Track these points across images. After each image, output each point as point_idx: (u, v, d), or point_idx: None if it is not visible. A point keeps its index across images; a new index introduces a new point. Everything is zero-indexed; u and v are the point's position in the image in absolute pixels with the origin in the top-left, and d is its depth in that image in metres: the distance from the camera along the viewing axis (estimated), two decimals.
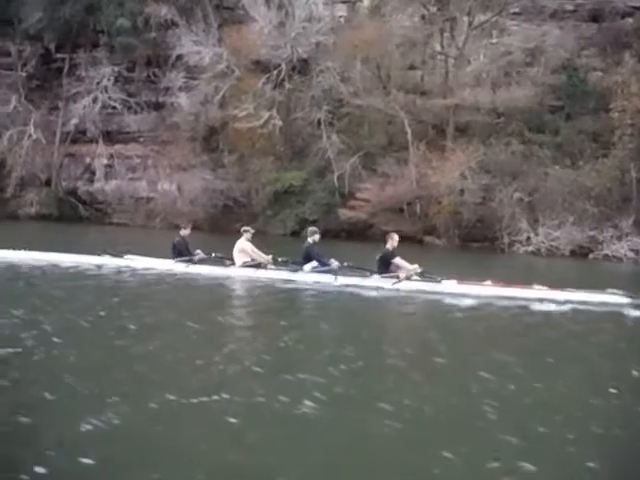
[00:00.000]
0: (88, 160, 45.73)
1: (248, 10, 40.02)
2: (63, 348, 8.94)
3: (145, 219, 41.24)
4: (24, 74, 44.38)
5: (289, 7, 39.22)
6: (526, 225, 33.78)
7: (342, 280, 16.34)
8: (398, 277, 16.16)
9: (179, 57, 41.22)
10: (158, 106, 44.44)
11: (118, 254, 18.63)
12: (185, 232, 18.42)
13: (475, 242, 35.19)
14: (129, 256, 18.57)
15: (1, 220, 42.17)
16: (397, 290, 15.80)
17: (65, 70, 45.10)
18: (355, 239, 35.91)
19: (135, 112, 44.22)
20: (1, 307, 11.78)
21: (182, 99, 41.57)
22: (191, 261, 17.72)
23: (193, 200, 40.69)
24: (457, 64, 38.54)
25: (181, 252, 17.92)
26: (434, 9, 40.23)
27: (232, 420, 6.46)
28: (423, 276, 16.31)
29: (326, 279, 16.52)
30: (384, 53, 38.27)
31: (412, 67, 40.67)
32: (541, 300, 14.79)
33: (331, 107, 39.18)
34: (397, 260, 16.28)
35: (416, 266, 16.14)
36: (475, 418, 6.82)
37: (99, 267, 17.63)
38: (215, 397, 7.05)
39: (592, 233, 32.80)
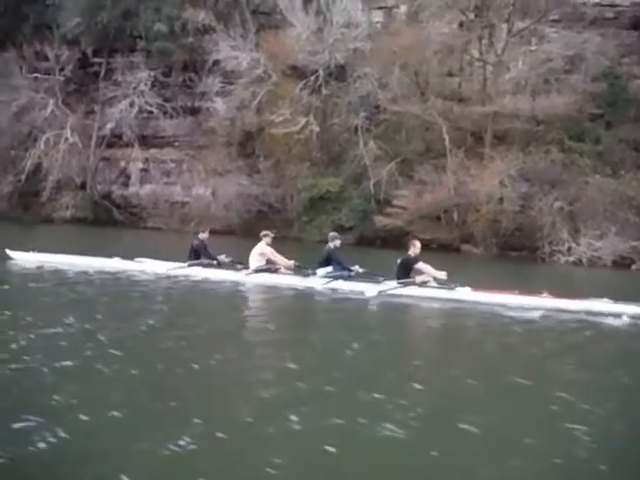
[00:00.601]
0: (123, 164, 45.76)
1: (286, 15, 39.77)
2: (124, 362, 8.70)
3: (180, 223, 41.09)
4: (62, 78, 44.47)
5: (327, 13, 38.94)
6: (566, 235, 33.25)
7: (353, 286, 16.30)
8: (414, 282, 16.14)
9: (216, 62, 41.10)
10: (194, 111, 44.40)
11: (129, 257, 18.76)
12: (204, 235, 18.53)
13: (513, 251, 34.75)
14: (140, 259, 18.70)
15: (36, 223, 42.40)
16: (409, 297, 15.71)
17: (102, 74, 45.23)
18: (390, 247, 35.42)
19: (171, 117, 44.22)
20: (43, 315, 11.67)
21: (218, 104, 41.43)
22: (201, 264, 17.90)
23: (228, 205, 40.58)
24: (496, 71, 38.09)
25: (199, 256, 18.06)
26: (472, 16, 39.76)
27: (321, 446, 6.14)
28: (439, 283, 16.18)
29: (339, 285, 16.50)
30: (422, 59, 37.92)
31: (450, 74, 40.25)
32: (554, 310, 14.64)
33: (368, 113, 38.86)
34: (420, 265, 16.19)
35: (444, 273, 15.98)
36: (570, 444, 6.47)
37: (112, 271, 17.70)
38: (293, 417, 6.80)
39: (635, 244, 32.24)
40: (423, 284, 16.18)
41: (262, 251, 17.60)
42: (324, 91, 39.41)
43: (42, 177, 43.89)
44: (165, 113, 43.96)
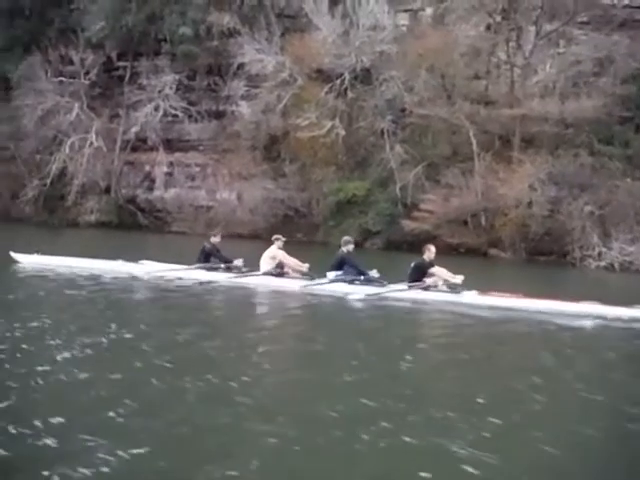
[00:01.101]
0: (147, 168, 45.72)
1: (311, 18, 39.57)
2: (179, 376, 8.50)
3: (205, 228, 40.72)
4: (87, 82, 44.49)
5: (353, 16, 38.66)
6: (597, 239, 32.80)
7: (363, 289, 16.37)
8: (422, 285, 16.29)
9: (240, 65, 40.96)
10: (218, 114, 44.29)
11: (132, 259, 18.85)
12: (215, 239, 18.71)
13: (542, 256, 34.32)
14: (144, 261, 18.84)
15: (62, 227, 42.47)
16: (413, 301, 15.82)
17: (126, 78, 45.15)
18: (417, 251, 35.08)
19: (195, 120, 44.08)
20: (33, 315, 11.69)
21: (243, 108, 41.38)
22: (205, 267, 18.12)
23: (253, 209, 40.42)
24: (523, 74, 37.74)
25: (209, 259, 18.30)
26: (499, 18, 39.39)
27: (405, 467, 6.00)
28: (448, 286, 16.36)
29: (348, 289, 16.57)
30: (449, 62, 37.56)
31: (476, 77, 39.86)
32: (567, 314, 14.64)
33: (394, 117, 38.55)
34: (434, 270, 16.37)
35: (460, 277, 16.13)
36: None
37: (114, 274, 17.88)
38: (365, 436, 6.56)
39: None
40: (430, 287, 16.26)
41: (273, 255, 17.70)
42: (350, 94, 39.18)
43: (67, 181, 43.98)
44: (190, 117, 43.83)
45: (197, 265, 18.26)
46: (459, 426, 6.93)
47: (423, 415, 7.33)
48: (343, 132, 38.23)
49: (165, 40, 43.40)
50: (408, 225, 36.05)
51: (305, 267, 17.58)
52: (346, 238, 17.89)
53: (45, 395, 7.51)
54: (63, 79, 44.39)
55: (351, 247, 17.48)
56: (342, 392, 8.18)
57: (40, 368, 8.35)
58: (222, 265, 18.13)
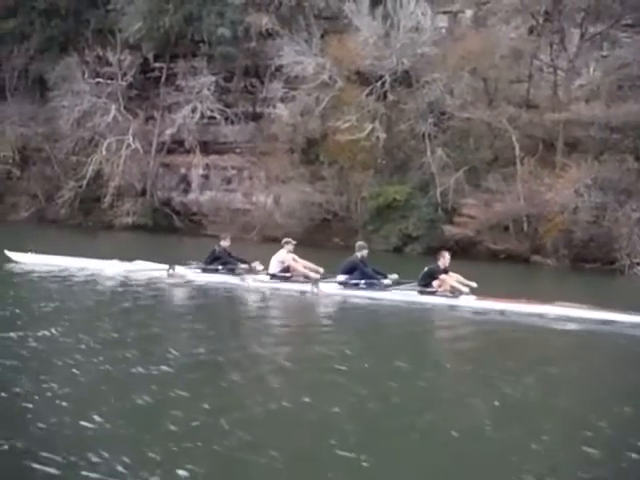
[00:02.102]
0: (183, 170, 45.58)
1: (352, 19, 39.11)
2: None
3: (241, 231, 40.51)
4: (124, 83, 44.29)
5: (394, 17, 38.19)
6: None
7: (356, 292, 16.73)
8: (428, 290, 16.49)
9: (278, 67, 40.61)
10: (255, 117, 44.09)
11: (127, 259, 19.26)
12: (225, 243, 18.90)
13: (587, 263, 33.63)
14: (138, 261, 19.22)
15: (97, 230, 42.33)
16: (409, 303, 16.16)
17: (162, 79, 45.02)
18: (457, 257, 34.72)
19: (232, 122, 43.86)
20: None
21: (280, 110, 40.87)
22: (206, 269, 18.41)
23: (290, 213, 39.91)
24: (567, 77, 37.11)
25: (225, 262, 18.37)
26: (541, 20, 38.81)
27: None
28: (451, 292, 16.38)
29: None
30: (491, 65, 36.98)
31: (518, 80, 39.24)
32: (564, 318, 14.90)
33: (435, 120, 37.96)
34: (444, 277, 16.47)
35: (473, 283, 16.33)
36: None
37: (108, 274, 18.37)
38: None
39: None
40: (425, 293, 16.43)
41: (282, 259, 17.82)
42: (390, 97, 38.70)
43: (103, 183, 43.82)
44: (226, 119, 43.53)
45: (197, 265, 18.62)
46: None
47: None
48: (384, 135, 37.80)
49: (202, 41, 43.25)
50: (450, 230, 35.63)
51: (320, 270, 17.62)
52: (360, 243, 17.94)
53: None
54: (101, 80, 44.20)
55: (365, 252, 17.49)
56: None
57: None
58: (224, 267, 18.28)
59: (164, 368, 9.13)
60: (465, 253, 35.19)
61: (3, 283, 16.72)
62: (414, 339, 13.28)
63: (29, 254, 19.63)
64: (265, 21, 40.96)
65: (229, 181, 44.62)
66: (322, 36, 40.48)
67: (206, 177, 44.66)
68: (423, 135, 38.09)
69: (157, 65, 45.44)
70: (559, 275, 31.79)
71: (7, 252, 19.83)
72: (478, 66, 37.15)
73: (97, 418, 6.98)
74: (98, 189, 44.12)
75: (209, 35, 42.14)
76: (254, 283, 17.70)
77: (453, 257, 33.82)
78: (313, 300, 16.61)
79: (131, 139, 43.38)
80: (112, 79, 44.43)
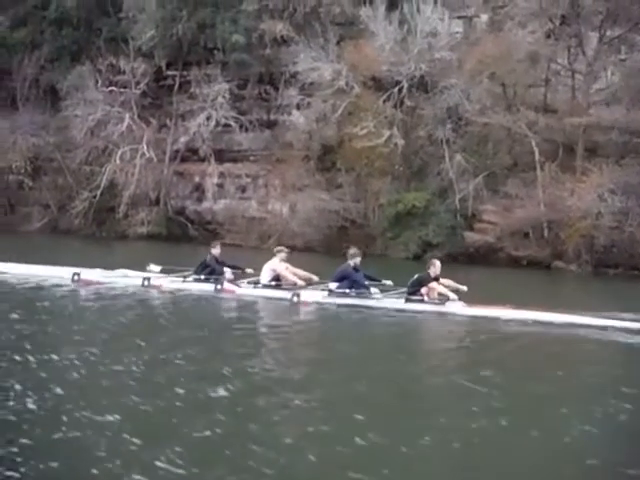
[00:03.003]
0: (197, 179, 45.28)
1: (368, 25, 38.88)
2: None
3: (258, 240, 40.24)
4: (138, 92, 44.01)
5: (412, 22, 37.97)
6: None
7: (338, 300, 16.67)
8: (422, 299, 16.38)
9: (293, 74, 40.37)
10: (270, 124, 43.86)
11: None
12: (216, 251, 18.46)
13: (609, 268, 33.33)
14: (121, 270, 19.22)
15: (110, 240, 42.03)
16: (395, 310, 16.15)
17: (175, 87, 44.79)
18: (477, 263, 34.62)
19: (246, 130, 43.57)
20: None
21: (295, 117, 40.64)
22: (199, 279, 17.90)
23: (307, 221, 39.59)
24: (586, 81, 36.87)
25: (213, 270, 17.89)
26: (558, 23, 38.57)
27: None
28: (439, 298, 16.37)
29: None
30: (510, 70, 36.70)
31: (534, 84, 38.98)
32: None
33: (454, 125, 37.65)
34: (434, 285, 16.36)
35: (464, 287, 16.39)
36: None
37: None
38: None
39: None
40: (412, 300, 16.34)
41: (273, 267, 17.69)
42: (408, 103, 38.42)
43: (117, 192, 43.51)
44: (240, 126, 43.24)
45: (190, 275, 18.22)
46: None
47: None
48: (402, 141, 37.52)
49: (215, 48, 43.03)
50: (471, 237, 35.53)
51: (314, 278, 17.55)
52: (353, 251, 17.48)
53: None
54: (114, 89, 43.94)
55: (358, 260, 17.20)
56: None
57: None
58: (208, 276, 17.91)
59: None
60: (485, 260, 35.05)
61: None
62: (393, 346, 13.23)
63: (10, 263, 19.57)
64: (279, 28, 40.75)
65: (244, 189, 44.32)
66: (338, 42, 40.15)
67: (220, 185, 44.33)
68: (441, 141, 37.79)
69: (170, 73, 45.20)
70: (582, 281, 31.54)
71: None
72: (496, 70, 36.87)
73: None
74: (112, 199, 43.82)
75: (223, 42, 41.97)
76: (241, 290, 17.59)
77: (473, 264, 34.14)
78: (293, 308, 16.39)
79: (145, 148, 43.12)
80: (125, 87, 44.17)
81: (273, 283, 17.51)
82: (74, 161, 44.60)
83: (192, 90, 43.54)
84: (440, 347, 13.62)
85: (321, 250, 37.16)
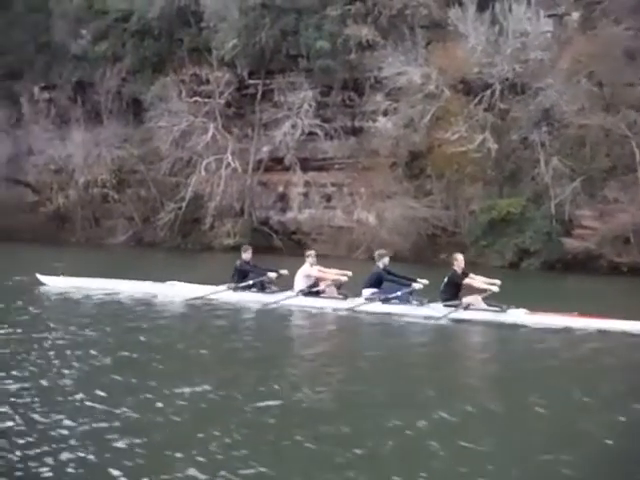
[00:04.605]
0: (281, 189, 44.68)
1: (457, 27, 37.86)
2: None
3: (346, 250, 39.41)
4: (222, 101, 43.68)
5: (503, 22, 36.82)
6: None
7: (389, 308, 16.29)
8: (457, 305, 15.84)
9: (379, 79, 39.55)
10: (355, 131, 43.00)
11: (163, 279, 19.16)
12: (246, 255, 18.48)
13: None
14: (172, 282, 18.90)
15: (196, 252, 41.76)
16: (453, 320, 15.57)
17: (258, 96, 44.23)
18: (574, 271, 33.37)
19: (331, 138, 42.78)
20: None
21: (382, 123, 39.75)
22: (238, 288, 17.82)
23: (395, 229, 38.67)
24: None
25: (245, 276, 18.04)
26: None
27: None
28: (488, 304, 15.80)
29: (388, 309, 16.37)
30: (608, 68, 35.29)
31: (634, 82, 37.44)
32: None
33: (549, 128, 36.35)
34: (469, 280, 15.99)
35: (497, 281, 15.88)
36: None
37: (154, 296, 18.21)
38: None
39: None
40: (470, 306, 15.77)
41: (307, 273, 17.66)
42: (500, 105, 37.22)
43: (202, 204, 43.20)
44: (325, 134, 42.45)
45: (229, 285, 18.02)
46: None
47: None
48: (496, 146, 36.35)
49: (299, 55, 42.48)
50: (570, 243, 34.28)
51: (348, 274, 17.43)
52: (380, 251, 17.71)
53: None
54: (198, 99, 43.69)
55: (387, 260, 17.32)
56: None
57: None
58: (263, 278, 18.00)
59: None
60: (583, 267, 33.80)
61: (34, 306, 16.76)
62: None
63: (61, 277, 19.70)
64: (365, 32, 40.01)
65: (328, 198, 43.60)
66: (426, 45, 39.19)
67: (305, 195, 43.63)
68: (536, 144, 36.51)
69: (252, 82, 44.67)
70: None
71: (38, 275, 19.81)
72: (593, 69, 35.59)
73: None
74: (197, 210, 43.61)
75: (307, 49, 41.43)
76: (285, 301, 17.45)
77: (570, 271, 32.82)
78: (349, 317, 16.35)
79: (230, 158, 42.76)
80: (209, 97, 43.86)
81: (314, 290, 17.49)
82: (158, 173, 44.51)
83: (276, 99, 43.19)
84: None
85: (411, 259, 36.23)
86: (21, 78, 49.75)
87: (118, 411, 8.29)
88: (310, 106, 41.51)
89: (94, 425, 7.80)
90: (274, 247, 42.68)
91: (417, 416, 8.33)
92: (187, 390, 9.27)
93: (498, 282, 15.88)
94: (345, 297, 17.10)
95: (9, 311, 15.71)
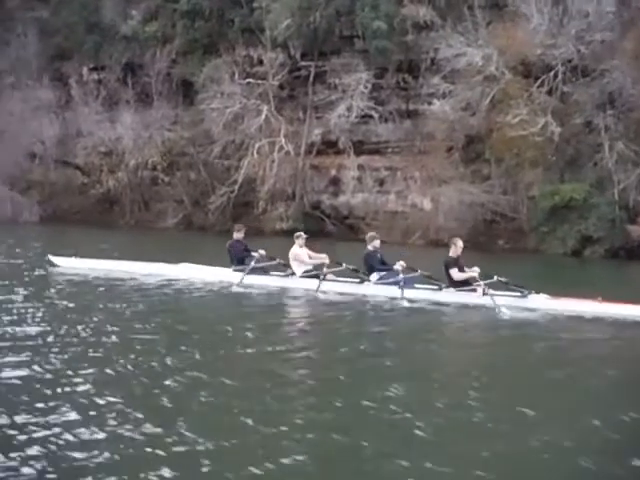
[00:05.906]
0: (333, 172, 43.99)
1: (519, 7, 36.86)
2: None
3: (401, 235, 38.72)
4: (275, 83, 43.07)
5: (568, 1, 35.76)
6: None
7: (408, 293, 15.80)
8: (475, 290, 15.35)
9: (436, 61, 38.72)
10: (410, 114, 42.17)
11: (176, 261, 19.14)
12: (239, 235, 18.78)
13: None
14: (185, 264, 18.92)
15: (247, 236, 41.15)
16: (475, 306, 15.14)
17: (311, 78, 43.52)
18: (639, 259, 32.53)
19: (385, 121, 42.01)
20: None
21: (437, 106, 38.86)
22: (244, 270, 17.45)
23: (452, 214, 37.90)
24: None
25: (238, 256, 18.09)
26: None
27: None
28: (507, 288, 15.34)
29: (392, 293, 15.97)
30: None
31: None
32: None
33: (614, 111, 35.31)
34: (453, 271, 15.51)
35: (475, 269, 15.67)
36: None
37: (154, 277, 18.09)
38: None
39: None
40: (484, 288, 15.22)
41: (295, 254, 17.52)
42: (564, 88, 36.23)
43: (255, 187, 42.67)
44: (379, 117, 41.65)
45: (235, 268, 17.92)
46: None
47: None
48: (558, 129, 35.37)
49: (355, 36, 41.85)
50: (635, 231, 33.51)
51: (324, 257, 17.39)
52: (370, 234, 17.73)
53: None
54: (251, 81, 43.09)
55: (377, 243, 17.22)
56: None
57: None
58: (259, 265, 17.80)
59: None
60: None
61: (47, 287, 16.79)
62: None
63: (73, 258, 19.78)
64: (422, 12, 39.16)
65: (382, 182, 42.88)
66: (487, 26, 38.22)
67: (358, 179, 42.82)
68: (600, 128, 35.46)
69: (304, 63, 43.91)
70: None
71: (50, 257, 19.94)
72: None
73: None
74: (248, 193, 43.12)
75: (363, 29, 40.63)
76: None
77: (634, 259, 32.02)
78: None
79: (283, 141, 42.17)
80: (263, 79, 43.24)
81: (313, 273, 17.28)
82: (209, 155, 44.00)
83: (329, 80, 42.47)
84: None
85: (468, 245, 35.30)
86: (70, 59, 49.78)
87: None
88: (366, 88, 40.71)
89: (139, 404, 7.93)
90: (326, 232, 42.03)
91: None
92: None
93: (477, 269, 15.85)
94: (362, 281, 16.86)
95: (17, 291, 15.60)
